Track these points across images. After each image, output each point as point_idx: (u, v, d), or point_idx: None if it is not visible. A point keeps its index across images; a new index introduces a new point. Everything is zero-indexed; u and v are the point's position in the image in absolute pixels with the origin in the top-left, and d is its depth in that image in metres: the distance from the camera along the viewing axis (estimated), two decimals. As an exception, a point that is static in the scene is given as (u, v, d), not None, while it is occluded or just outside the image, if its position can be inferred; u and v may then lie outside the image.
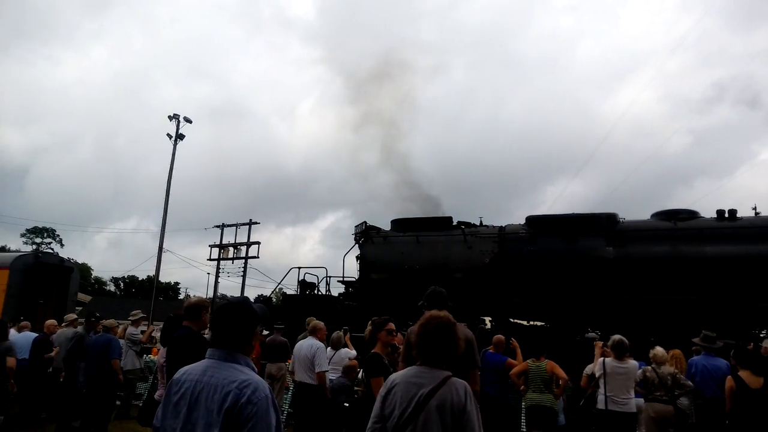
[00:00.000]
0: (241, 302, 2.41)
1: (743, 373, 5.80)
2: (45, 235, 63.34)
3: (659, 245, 11.03)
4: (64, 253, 54.47)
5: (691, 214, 11.55)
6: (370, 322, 5.24)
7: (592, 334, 11.16)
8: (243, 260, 31.00)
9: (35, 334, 9.58)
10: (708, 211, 11.55)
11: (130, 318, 10.59)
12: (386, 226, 14.22)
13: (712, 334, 7.27)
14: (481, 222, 13.44)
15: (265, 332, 10.42)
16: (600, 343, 7.15)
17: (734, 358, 6.04)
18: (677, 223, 11.29)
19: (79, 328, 9.54)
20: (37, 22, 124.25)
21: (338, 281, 14.64)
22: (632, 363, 6.47)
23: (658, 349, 6.80)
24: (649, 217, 12.02)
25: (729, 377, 6.00)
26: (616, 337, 6.51)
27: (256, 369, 2.33)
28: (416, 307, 4.08)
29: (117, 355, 8.22)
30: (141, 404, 8.34)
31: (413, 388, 2.58)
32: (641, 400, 6.94)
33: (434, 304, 3.86)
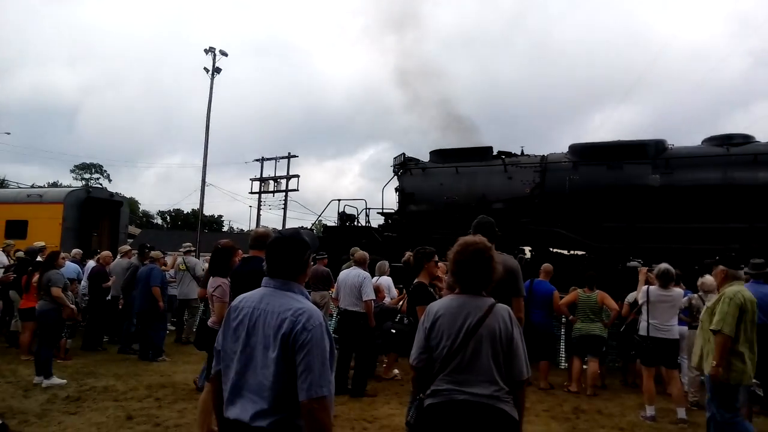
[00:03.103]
0: (293, 234, 2.46)
1: (793, 300, 5.68)
2: (93, 171, 65.42)
3: (709, 172, 10.61)
4: (112, 188, 56.24)
5: (746, 139, 11.01)
6: (411, 251, 5.29)
7: (634, 263, 11.04)
8: (283, 193, 31.51)
9: (75, 265, 10.02)
10: (766, 136, 10.98)
11: (181, 249, 11.05)
12: (426, 158, 14.10)
13: (760, 260, 7.10)
14: (522, 151, 13.16)
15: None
16: (645, 269, 7.08)
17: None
18: (730, 148, 10.79)
19: (133, 259, 10.03)
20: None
21: (377, 213, 14.76)
22: (677, 291, 6.41)
23: (707, 278, 6.70)
24: (700, 143, 11.53)
25: (777, 305, 5.89)
26: (663, 265, 6.42)
27: (309, 297, 2.40)
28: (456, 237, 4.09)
29: (157, 282, 8.71)
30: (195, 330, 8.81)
31: (460, 318, 2.57)
32: (685, 328, 6.93)
33: (482, 234, 3.85)
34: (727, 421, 4.51)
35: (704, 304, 6.51)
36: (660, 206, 10.71)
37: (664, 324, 6.19)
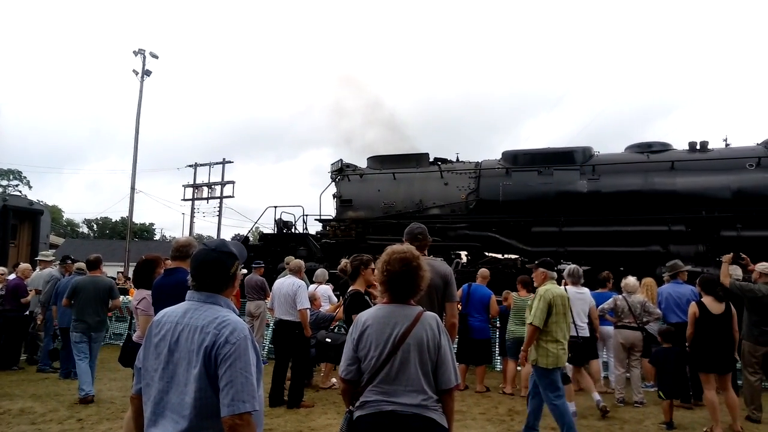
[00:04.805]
0: (218, 245, 2.36)
1: (706, 299, 6.04)
2: (11, 177, 61.42)
3: (632, 178, 11.21)
4: (32, 195, 53.09)
5: (664, 146, 11.71)
6: (350, 258, 5.24)
7: (563, 266, 11.45)
8: (218, 200, 30.74)
9: None
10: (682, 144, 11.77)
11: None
12: (364, 164, 14.12)
13: (674, 261, 7.55)
14: (457, 158, 13.44)
15: (244, 271, 10.45)
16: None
17: (699, 284, 6.26)
18: (650, 155, 11.45)
19: (54, 270, 9.45)
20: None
21: (315, 219, 14.63)
22: (585, 289, 6.71)
23: (630, 279, 7.05)
24: (623, 150, 12.15)
25: (693, 303, 6.24)
26: (572, 266, 6.76)
27: (236, 310, 2.32)
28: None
29: None
30: (121, 345, 8.41)
31: (387, 328, 2.54)
32: (610, 328, 7.24)
33: (412, 242, 3.84)
34: (551, 401, 5.02)
35: (628, 305, 6.86)
36: (588, 211, 11.20)
37: (582, 322, 6.44)
